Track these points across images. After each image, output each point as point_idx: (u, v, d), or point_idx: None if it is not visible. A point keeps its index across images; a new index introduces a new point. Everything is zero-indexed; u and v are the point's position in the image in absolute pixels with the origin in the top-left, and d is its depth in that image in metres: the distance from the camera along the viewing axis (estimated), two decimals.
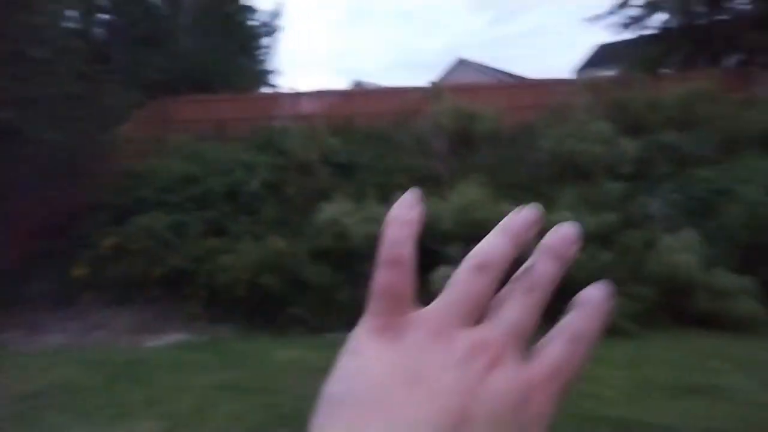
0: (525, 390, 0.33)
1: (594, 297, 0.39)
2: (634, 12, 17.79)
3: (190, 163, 11.89)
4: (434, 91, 13.95)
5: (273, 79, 20.02)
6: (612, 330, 7.57)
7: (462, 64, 29.17)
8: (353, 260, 9.16)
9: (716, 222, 9.00)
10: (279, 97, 15.68)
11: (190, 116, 14.26)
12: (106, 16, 16.64)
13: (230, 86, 15.83)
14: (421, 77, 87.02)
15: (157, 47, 15.19)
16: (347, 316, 8.53)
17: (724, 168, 10.15)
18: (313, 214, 9.92)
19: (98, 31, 16.44)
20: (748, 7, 16.36)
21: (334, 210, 9.45)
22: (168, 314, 9.09)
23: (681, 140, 11.19)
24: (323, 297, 8.74)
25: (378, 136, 12.94)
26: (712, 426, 4.48)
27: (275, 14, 18.52)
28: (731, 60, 16.92)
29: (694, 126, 11.64)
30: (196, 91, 15.23)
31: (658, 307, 7.94)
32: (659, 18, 17.38)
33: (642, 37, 17.92)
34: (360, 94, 16.84)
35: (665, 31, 17.19)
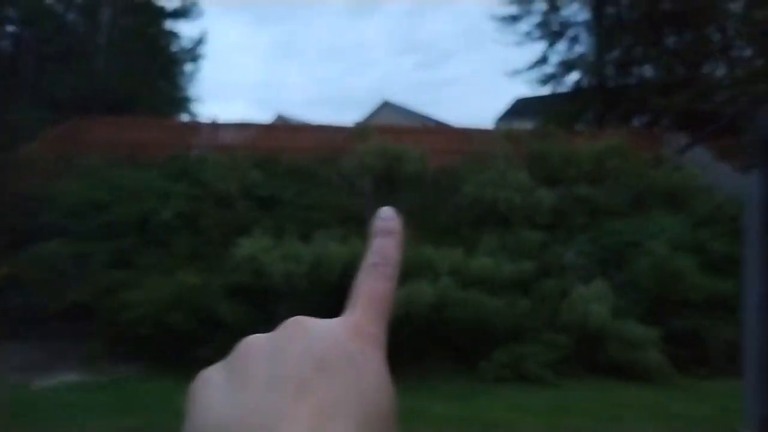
0: (350, 329, 0.36)
1: (382, 221, 0.44)
2: (551, 70, 18.93)
3: (99, 188, 11.16)
4: (360, 131, 14.02)
5: (194, 107, 19.53)
6: (530, 378, 7.69)
7: (386, 105, 29.72)
8: (271, 299, 8.82)
9: (626, 273, 9.43)
10: (199, 126, 15.21)
11: (102, 138, 13.50)
12: (15, 29, 15.61)
13: (147, 110, 15.21)
14: (345, 115, 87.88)
15: (70, 65, 14.37)
16: None
17: (633, 222, 10.73)
18: (230, 248, 9.51)
19: (4, 44, 15.38)
20: (654, 73, 17.79)
21: (252, 245, 9.09)
22: (65, 352, 8.33)
23: (594, 193, 11.78)
24: (238, 337, 8.20)
25: (302, 172, 12.75)
26: None
27: (199, 41, 18.14)
28: (640, 120, 18.28)
29: (606, 181, 12.33)
30: (111, 113, 14.51)
31: (573, 356, 8.13)
32: (574, 77, 18.56)
33: (558, 94, 19.02)
34: (284, 128, 16.67)
35: (579, 90, 18.34)
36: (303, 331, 0.36)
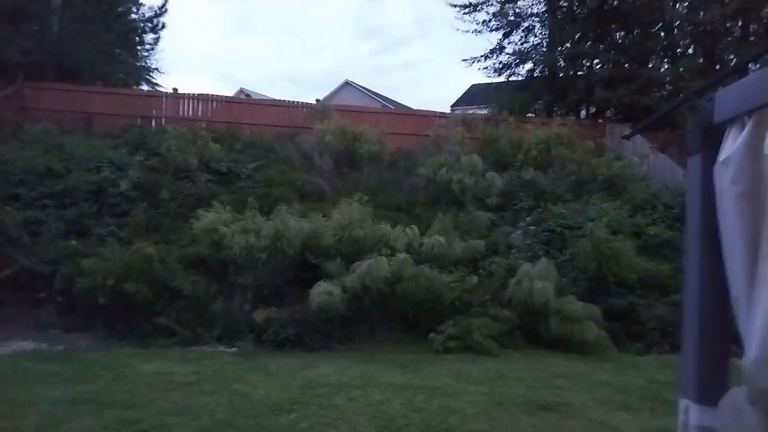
0: None
1: None
2: (505, 59, 19.41)
3: (51, 156, 10.94)
4: (321, 109, 14.15)
5: (153, 77, 18.97)
6: (476, 349, 8.14)
7: (348, 85, 29.81)
8: (230, 270, 8.96)
9: (568, 254, 10.01)
10: (158, 96, 14.95)
11: (53, 105, 13.12)
12: None
13: (103, 78, 14.78)
14: (305, 93, 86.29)
15: (21, 26, 13.79)
16: (221, 328, 8.29)
17: (575, 206, 11.35)
18: (188, 220, 9.57)
19: None
20: (600, 67, 18.52)
21: (212, 218, 9.18)
22: (15, 320, 8.20)
23: (539, 178, 12.38)
24: (195, 307, 8.42)
25: (262, 147, 12.79)
26: None
27: (160, 11, 17.67)
28: (585, 111, 19.06)
29: (551, 166, 12.95)
30: (63, 80, 14.06)
31: (516, 329, 8.63)
32: (526, 67, 19.10)
33: (511, 82, 19.52)
34: (245, 102, 16.54)
35: (531, 79, 18.89)
36: None
